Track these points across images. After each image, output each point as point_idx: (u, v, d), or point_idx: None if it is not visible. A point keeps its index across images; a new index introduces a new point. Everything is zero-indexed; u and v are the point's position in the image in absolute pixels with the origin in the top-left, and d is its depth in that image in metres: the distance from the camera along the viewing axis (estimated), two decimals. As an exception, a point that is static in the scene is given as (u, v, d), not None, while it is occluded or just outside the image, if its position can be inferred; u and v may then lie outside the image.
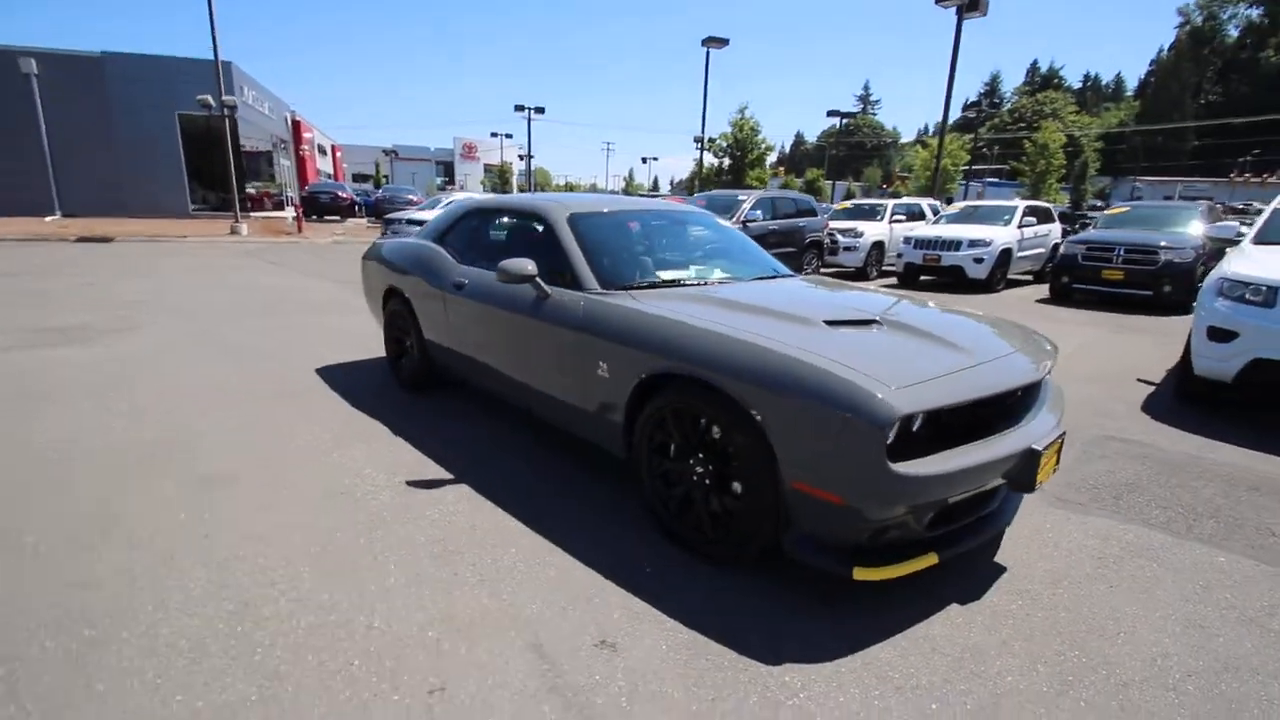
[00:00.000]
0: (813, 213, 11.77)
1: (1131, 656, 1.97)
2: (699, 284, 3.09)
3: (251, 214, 23.11)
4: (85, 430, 3.51)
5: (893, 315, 2.66)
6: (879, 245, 12.56)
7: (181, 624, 1.96)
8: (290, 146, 31.28)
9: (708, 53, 23.81)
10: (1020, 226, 11.25)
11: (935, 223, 12.39)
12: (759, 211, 10.67)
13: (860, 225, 12.50)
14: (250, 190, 25.49)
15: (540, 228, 3.31)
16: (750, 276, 3.26)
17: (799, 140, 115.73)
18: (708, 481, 2.37)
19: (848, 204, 15.47)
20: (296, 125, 32.15)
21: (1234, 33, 74.28)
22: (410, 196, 23.29)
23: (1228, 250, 5.53)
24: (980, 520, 2.29)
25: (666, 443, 2.50)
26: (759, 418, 2.08)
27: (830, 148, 72.41)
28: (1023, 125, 68.54)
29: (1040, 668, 1.91)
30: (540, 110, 33.03)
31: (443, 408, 4.05)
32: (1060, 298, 9.83)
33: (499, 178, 56.05)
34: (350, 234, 20.61)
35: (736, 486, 2.24)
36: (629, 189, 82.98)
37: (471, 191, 42.10)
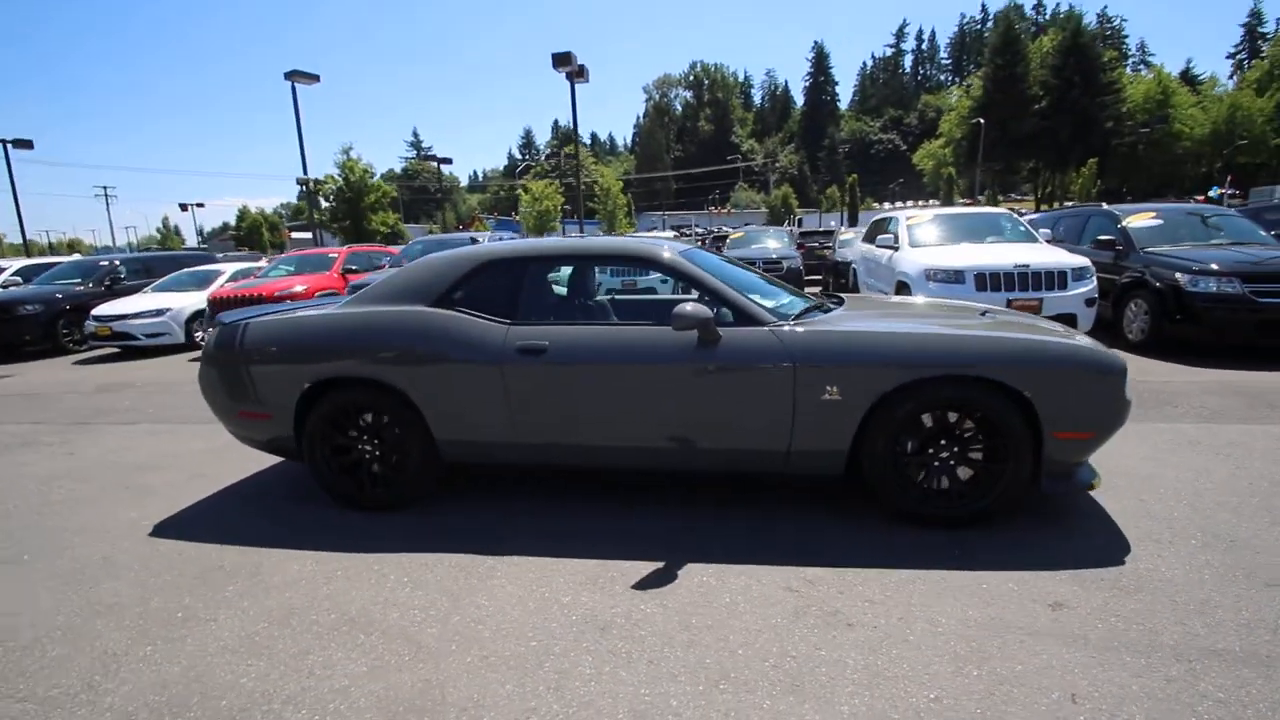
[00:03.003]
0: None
1: (1240, 510, 3.22)
2: (834, 306, 3.37)
3: None
4: None
5: (981, 308, 3.50)
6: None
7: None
8: None
9: (294, 87, 21.25)
10: (676, 252, 13.89)
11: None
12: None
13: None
14: None
15: (649, 269, 3.09)
16: (804, 295, 3.67)
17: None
18: (952, 463, 2.80)
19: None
20: None
21: (679, 107, 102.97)
22: None
23: (885, 252, 8.25)
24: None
25: (905, 440, 2.80)
26: (1027, 394, 2.65)
27: (399, 193, 72.06)
28: (560, 173, 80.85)
29: (1237, 513, 2.99)
30: (28, 144, 23.29)
31: (485, 504, 3.21)
32: (724, 304, 12.61)
33: None
34: None
35: (1001, 453, 2.73)
36: (168, 243, 66.21)
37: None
